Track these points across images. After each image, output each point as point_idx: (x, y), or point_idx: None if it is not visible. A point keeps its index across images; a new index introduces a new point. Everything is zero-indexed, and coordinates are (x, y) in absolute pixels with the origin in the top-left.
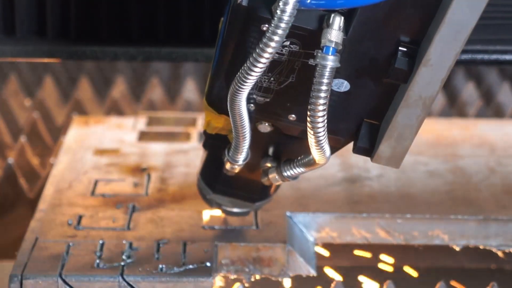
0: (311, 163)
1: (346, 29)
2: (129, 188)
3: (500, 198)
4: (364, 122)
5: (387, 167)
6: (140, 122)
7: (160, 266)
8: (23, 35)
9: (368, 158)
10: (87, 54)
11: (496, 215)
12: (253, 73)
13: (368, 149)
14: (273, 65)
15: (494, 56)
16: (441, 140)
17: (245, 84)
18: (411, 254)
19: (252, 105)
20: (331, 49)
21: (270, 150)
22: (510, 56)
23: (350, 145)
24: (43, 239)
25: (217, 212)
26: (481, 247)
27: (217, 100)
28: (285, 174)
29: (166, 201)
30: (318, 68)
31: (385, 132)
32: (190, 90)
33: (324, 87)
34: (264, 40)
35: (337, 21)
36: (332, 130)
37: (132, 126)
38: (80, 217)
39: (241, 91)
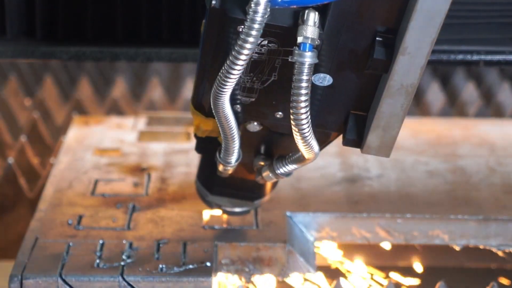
0: (302, 159)
1: (322, 24)
2: (129, 188)
3: (500, 198)
4: (351, 114)
5: (387, 167)
6: (140, 122)
7: (160, 266)
8: (13, 35)
9: (368, 158)
10: (86, 54)
11: (496, 215)
12: (232, 75)
13: (357, 141)
14: (254, 65)
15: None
16: (441, 140)
17: (225, 86)
18: (411, 254)
19: (238, 106)
20: (307, 45)
21: (262, 149)
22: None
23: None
24: (43, 239)
25: (217, 212)
26: (481, 247)
27: (204, 103)
28: (278, 171)
29: (166, 201)
30: (296, 65)
31: (372, 122)
32: (190, 90)
33: (304, 84)
34: (239, 41)
35: (312, 17)
36: (319, 124)
37: (132, 126)
38: (80, 217)
39: (222, 93)
